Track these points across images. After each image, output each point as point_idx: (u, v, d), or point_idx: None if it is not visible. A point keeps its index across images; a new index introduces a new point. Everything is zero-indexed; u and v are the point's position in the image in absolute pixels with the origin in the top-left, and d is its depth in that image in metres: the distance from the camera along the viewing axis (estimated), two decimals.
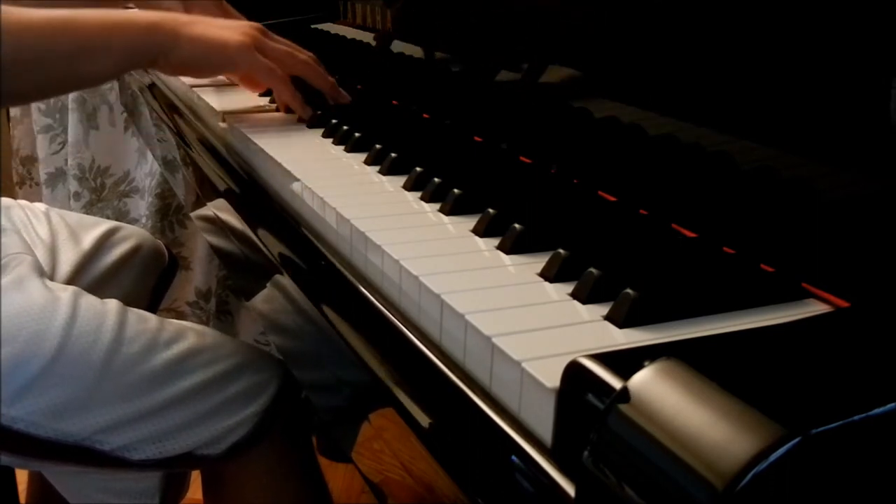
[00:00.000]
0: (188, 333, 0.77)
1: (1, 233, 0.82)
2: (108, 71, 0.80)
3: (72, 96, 1.79)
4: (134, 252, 1.02)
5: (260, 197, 0.70)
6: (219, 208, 0.79)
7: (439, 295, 0.43)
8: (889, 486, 0.27)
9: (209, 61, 0.80)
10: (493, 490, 0.36)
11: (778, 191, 0.49)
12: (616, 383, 0.30)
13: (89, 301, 0.73)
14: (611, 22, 0.64)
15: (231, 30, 0.80)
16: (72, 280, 0.91)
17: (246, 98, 0.96)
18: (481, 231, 0.52)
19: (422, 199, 0.60)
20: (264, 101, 0.94)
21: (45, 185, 1.93)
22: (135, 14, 0.79)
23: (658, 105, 0.59)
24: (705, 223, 0.52)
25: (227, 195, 0.76)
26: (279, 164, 0.68)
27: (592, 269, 0.43)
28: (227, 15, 0.99)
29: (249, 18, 0.85)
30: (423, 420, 0.41)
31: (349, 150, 0.73)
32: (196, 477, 0.88)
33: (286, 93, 0.83)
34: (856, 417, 0.26)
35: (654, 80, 0.60)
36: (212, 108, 0.91)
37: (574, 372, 0.32)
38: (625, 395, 0.29)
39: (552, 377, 0.34)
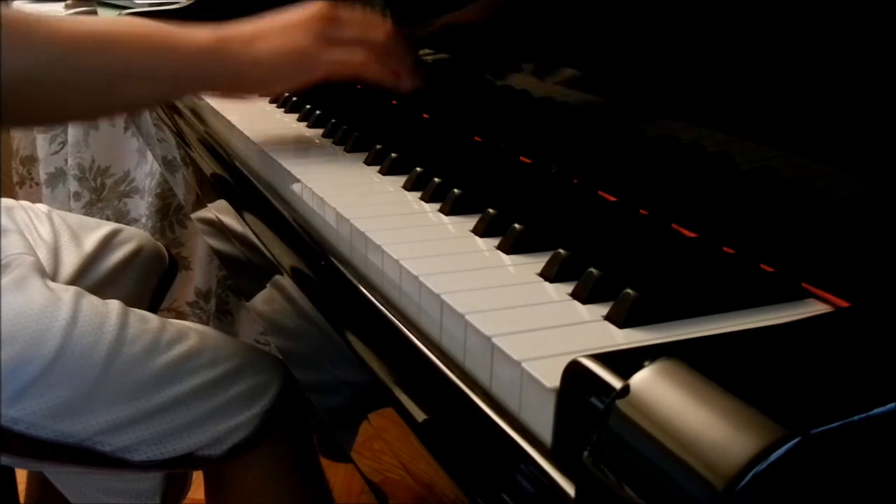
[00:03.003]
0: (190, 334, 0.77)
1: (1, 233, 0.82)
2: (155, 96, 0.72)
3: None
4: (135, 254, 1.02)
5: (260, 197, 0.70)
6: (219, 209, 0.79)
7: (439, 295, 0.43)
8: (889, 486, 0.27)
9: (277, 84, 0.73)
10: (492, 490, 0.36)
11: (778, 191, 0.49)
12: (616, 383, 0.30)
13: (91, 301, 0.73)
14: (610, 22, 0.64)
15: (297, 34, 0.70)
16: (73, 281, 0.91)
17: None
18: (481, 231, 0.52)
19: (422, 199, 0.60)
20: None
21: (45, 185, 1.93)
22: (189, 32, 0.69)
23: (658, 105, 0.59)
24: (705, 223, 0.52)
25: (227, 195, 0.76)
26: (280, 165, 0.68)
27: (592, 269, 0.43)
28: None
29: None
30: (423, 420, 0.41)
31: (349, 150, 0.73)
32: (197, 477, 0.88)
33: (381, 74, 0.73)
34: (856, 417, 0.26)
35: (654, 80, 0.60)
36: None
37: (574, 372, 0.32)
38: (625, 394, 0.29)
39: (552, 377, 0.34)
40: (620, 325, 0.40)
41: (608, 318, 0.40)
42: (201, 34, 0.69)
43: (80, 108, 0.70)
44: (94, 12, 1.73)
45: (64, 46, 0.63)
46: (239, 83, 0.71)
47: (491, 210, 0.53)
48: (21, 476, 1.02)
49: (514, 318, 0.41)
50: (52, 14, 0.63)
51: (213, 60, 0.69)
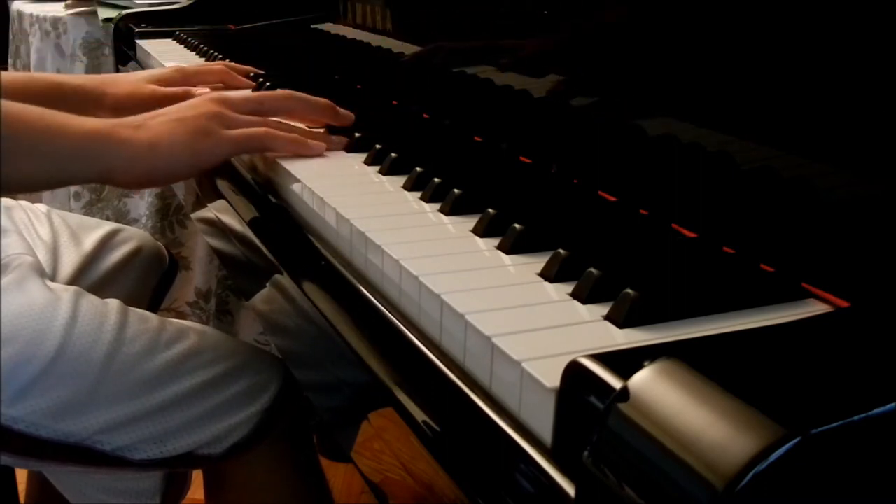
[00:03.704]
0: (189, 333, 0.77)
1: (1, 233, 0.82)
2: (45, 179, 0.68)
3: None
4: (135, 254, 1.02)
5: (261, 196, 0.71)
6: (219, 209, 0.79)
7: (439, 295, 0.43)
8: (889, 486, 0.27)
9: (172, 172, 0.69)
10: (492, 490, 0.36)
11: (778, 191, 0.49)
12: (616, 383, 0.30)
13: (90, 301, 0.73)
14: (610, 22, 0.64)
15: (188, 119, 0.68)
16: (73, 282, 0.91)
17: None
18: (481, 231, 0.52)
19: (422, 199, 0.60)
20: None
21: None
22: (83, 119, 0.66)
23: (658, 105, 0.59)
24: (705, 223, 0.52)
25: (227, 194, 0.76)
26: (280, 165, 0.68)
27: (592, 269, 0.43)
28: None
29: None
30: (423, 420, 0.41)
31: (349, 150, 0.73)
32: (197, 476, 0.88)
33: (283, 144, 0.70)
34: (856, 417, 0.26)
35: (654, 79, 0.60)
36: None
37: (574, 372, 0.32)
38: (625, 395, 0.29)
39: (552, 377, 0.34)
40: (620, 325, 0.40)
41: (608, 318, 0.40)
42: (91, 121, 0.67)
43: None
44: (94, 12, 1.73)
45: None
46: (135, 171, 0.66)
47: (491, 210, 0.53)
48: (21, 476, 1.02)
49: (514, 318, 0.41)
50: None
51: (105, 145, 0.65)
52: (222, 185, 0.79)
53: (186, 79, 0.94)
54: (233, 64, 1.02)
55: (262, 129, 0.70)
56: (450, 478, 0.38)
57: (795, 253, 0.46)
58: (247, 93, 0.76)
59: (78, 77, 0.99)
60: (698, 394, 0.27)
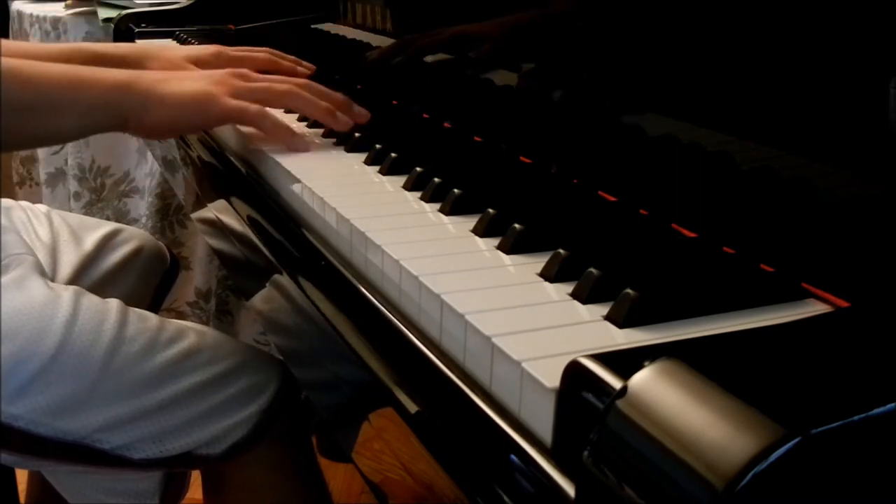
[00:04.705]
0: (188, 333, 0.77)
1: (1, 233, 0.82)
2: (70, 131, 0.75)
3: None
4: (135, 254, 1.02)
5: (261, 196, 0.70)
6: (219, 209, 0.79)
7: (439, 295, 0.43)
8: (889, 486, 0.27)
9: (180, 123, 0.75)
10: (492, 490, 0.36)
11: (778, 191, 0.49)
12: (616, 383, 0.30)
13: (90, 300, 0.73)
14: (610, 22, 0.64)
15: (203, 80, 0.74)
16: (72, 282, 0.91)
17: None
18: (481, 231, 0.52)
19: (422, 199, 0.60)
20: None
21: (45, 185, 1.93)
22: (104, 71, 0.73)
23: (658, 105, 0.59)
24: (705, 223, 0.52)
25: (227, 194, 0.76)
26: (280, 165, 0.69)
27: (592, 269, 0.43)
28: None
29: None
30: (424, 420, 0.41)
31: (349, 150, 0.73)
32: (196, 477, 0.88)
33: (271, 127, 0.74)
34: (856, 417, 0.26)
35: (654, 80, 0.60)
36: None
37: (574, 372, 0.32)
38: (624, 394, 0.29)
39: (552, 377, 0.34)
40: (620, 325, 0.40)
41: (608, 318, 0.40)
42: (120, 71, 0.73)
43: None
44: (94, 12, 1.73)
45: None
46: (145, 120, 0.72)
47: (491, 210, 0.53)
48: (21, 476, 1.02)
49: (514, 318, 0.41)
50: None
51: (125, 95, 0.71)
52: (222, 184, 0.79)
53: (224, 63, 0.92)
54: (278, 52, 0.99)
55: (257, 108, 0.73)
56: (450, 477, 0.38)
57: (795, 253, 0.46)
58: (262, 78, 0.78)
59: (121, 46, 1.01)
60: (698, 394, 0.27)
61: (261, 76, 0.79)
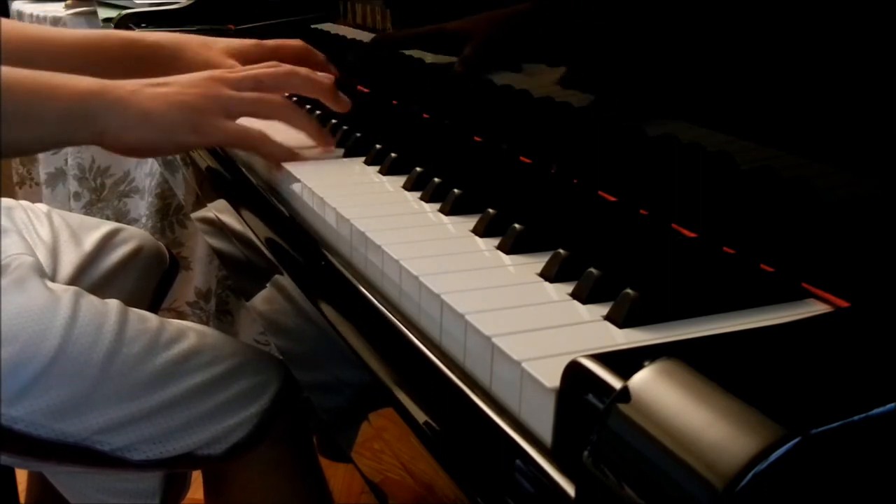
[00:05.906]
0: (189, 334, 0.77)
1: (1, 233, 0.82)
2: (37, 142, 0.69)
3: None
4: (135, 254, 1.02)
5: (261, 196, 0.70)
6: (219, 209, 0.79)
7: (439, 295, 0.43)
8: (889, 486, 0.27)
9: (160, 146, 0.68)
10: (492, 490, 0.36)
11: (778, 191, 0.49)
12: (616, 383, 0.30)
13: (90, 301, 0.73)
14: (610, 22, 0.64)
15: (186, 95, 0.67)
16: (73, 281, 0.91)
17: None
18: (481, 231, 0.52)
19: (422, 199, 0.60)
20: None
21: (45, 185, 1.93)
22: (75, 79, 0.66)
23: (658, 105, 0.59)
24: (705, 223, 0.52)
25: (227, 194, 0.76)
26: (280, 165, 0.68)
27: (592, 269, 0.43)
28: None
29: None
30: (423, 420, 0.41)
31: (349, 150, 0.73)
32: (197, 477, 0.88)
33: (271, 153, 0.70)
34: (856, 417, 0.26)
35: (654, 79, 0.60)
36: None
37: (574, 372, 0.32)
38: (625, 395, 0.29)
39: (552, 377, 0.34)
40: (620, 325, 0.40)
41: (608, 318, 0.40)
42: (85, 80, 0.66)
43: None
44: (94, 12, 1.73)
45: None
46: (127, 136, 0.66)
47: (491, 210, 0.53)
48: (21, 476, 1.02)
49: (514, 318, 0.41)
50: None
51: (101, 101, 0.65)
52: (222, 184, 0.79)
53: (265, 54, 0.88)
54: (309, 46, 0.95)
55: (258, 132, 0.70)
56: (450, 478, 0.38)
57: (795, 253, 0.46)
58: (248, 69, 0.74)
59: (155, 34, 0.93)
60: (698, 394, 0.27)
61: (248, 79, 0.72)
